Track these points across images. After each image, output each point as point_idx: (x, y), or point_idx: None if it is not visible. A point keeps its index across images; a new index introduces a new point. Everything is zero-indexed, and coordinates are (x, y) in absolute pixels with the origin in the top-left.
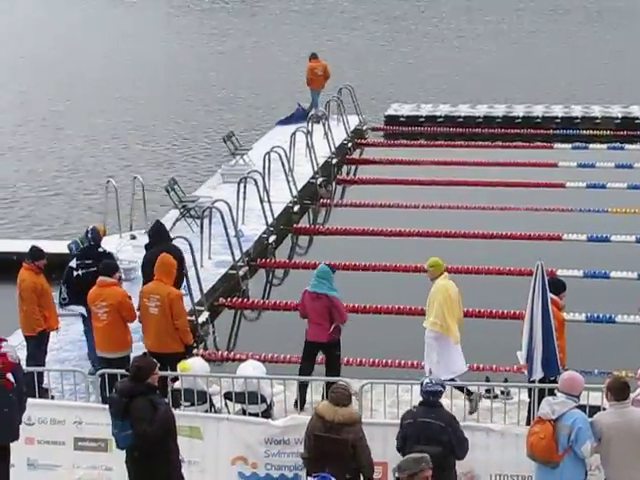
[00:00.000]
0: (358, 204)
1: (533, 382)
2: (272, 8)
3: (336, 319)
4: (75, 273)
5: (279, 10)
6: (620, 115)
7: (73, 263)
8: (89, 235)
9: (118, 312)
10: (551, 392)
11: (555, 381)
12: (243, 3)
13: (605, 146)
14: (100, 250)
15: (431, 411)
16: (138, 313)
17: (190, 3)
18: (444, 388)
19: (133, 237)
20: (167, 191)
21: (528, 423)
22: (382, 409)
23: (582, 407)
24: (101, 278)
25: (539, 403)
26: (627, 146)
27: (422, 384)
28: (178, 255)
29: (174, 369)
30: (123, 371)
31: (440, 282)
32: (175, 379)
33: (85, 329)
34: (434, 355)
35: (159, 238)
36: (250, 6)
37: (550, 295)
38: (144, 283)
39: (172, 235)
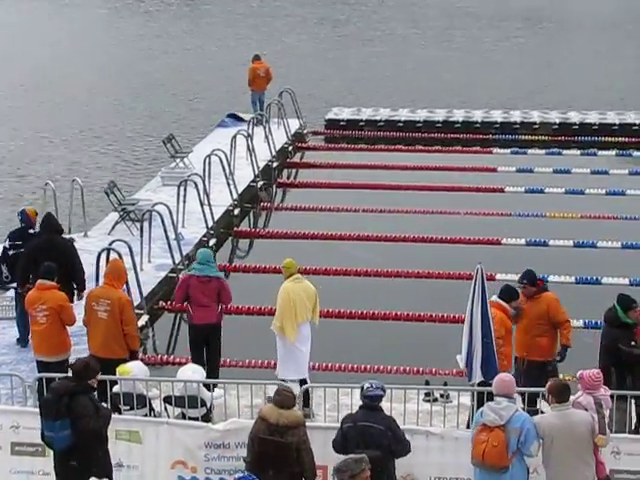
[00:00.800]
0: (298, 207)
1: (473, 385)
2: (215, 11)
3: (224, 300)
4: (10, 252)
5: (223, 13)
6: (558, 121)
7: (7, 244)
8: (19, 217)
9: (58, 315)
10: (491, 395)
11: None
12: (187, 7)
13: (543, 151)
14: (30, 232)
15: (371, 415)
16: (82, 317)
17: (133, 5)
18: (384, 392)
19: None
20: (107, 194)
21: (468, 427)
22: (322, 413)
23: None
24: (40, 281)
25: (479, 406)
26: (565, 151)
27: (362, 388)
28: (69, 246)
29: (115, 374)
30: (61, 375)
31: (285, 284)
32: (114, 383)
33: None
34: (279, 355)
35: (49, 229)
36: (194, 9)
37: (500, 301)
38: (24, 269)
39: (112, 238)
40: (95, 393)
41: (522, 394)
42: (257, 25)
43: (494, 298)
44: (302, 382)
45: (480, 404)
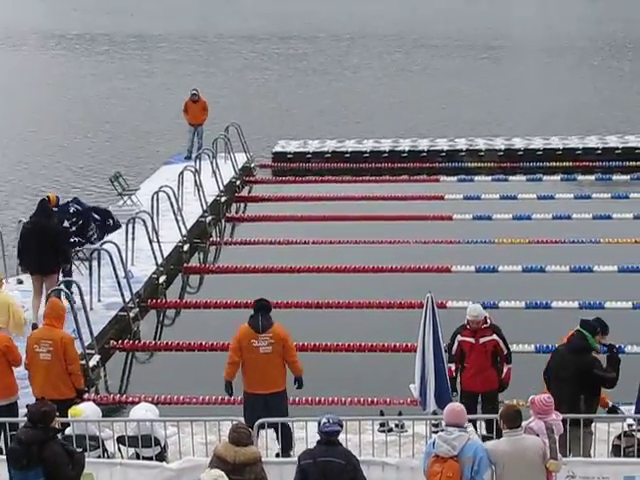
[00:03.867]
0: (248, 242)
1: (427, 414)
2: (163, 49)
3: None
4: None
5: (171, 51)
6: (503, 147)
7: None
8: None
9: (4, 357)
10: None
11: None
12: (136, 45)
13: (490, 178)
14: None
15: (330, 449)
16: (24, 359)
17: (80, 44)
18: (341, 426)
19: (20, 282)
20: None
21: None
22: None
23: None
24: None
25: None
26: (511, 177)
27: (320, 423)
28: (59, 229)
29: (65, 415)
30: (13, 419)
31: None
32: (66, 425)
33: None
34: None
35: (42, 214)
36: (142, 49)
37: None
38: (21, 250)
39: (61, 277)
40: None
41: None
42: (204, 62)
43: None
44: None
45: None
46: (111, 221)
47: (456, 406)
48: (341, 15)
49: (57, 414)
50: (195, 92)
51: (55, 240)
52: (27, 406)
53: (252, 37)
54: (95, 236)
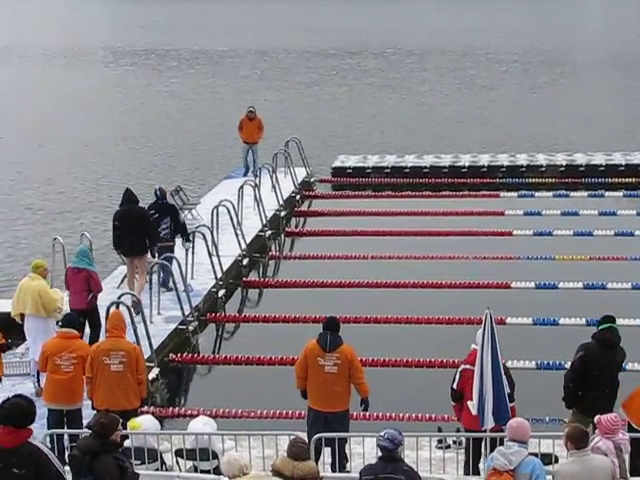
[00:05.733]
0: (307, 256)
1: (485, 431)
2: (225, 66)
3: (93, 289)
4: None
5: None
6: (564, 163)
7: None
8: (157, 193)
9: (84, 364)
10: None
11: None
12: (199, 60)
13: (550, 194)
14: (161, 203)
15: (392, 466)
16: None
17: (148, 60)
18: (396, 443)
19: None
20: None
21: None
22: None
23: (534, 454)
24: (64, 330)
25: (492, 451)
26: (572, 193)
27: (378, 437)
28: (146, 213)
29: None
30: (73, 431)
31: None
32: (125, 437)
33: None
34: None
35: (128, 201)
36: (205, 64)
37: None
38: (117, 235)
39: (121, 291)
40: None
41: None
42: (271, 76)
43: None
44: None
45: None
46: (182, 222)
47: (520, 421)
48: (408, 30)
49: (120, 427)
50: (252, 109)
51: (143, 223)
52: (97, 416)
53: (322, 52)
54: (168, 231)
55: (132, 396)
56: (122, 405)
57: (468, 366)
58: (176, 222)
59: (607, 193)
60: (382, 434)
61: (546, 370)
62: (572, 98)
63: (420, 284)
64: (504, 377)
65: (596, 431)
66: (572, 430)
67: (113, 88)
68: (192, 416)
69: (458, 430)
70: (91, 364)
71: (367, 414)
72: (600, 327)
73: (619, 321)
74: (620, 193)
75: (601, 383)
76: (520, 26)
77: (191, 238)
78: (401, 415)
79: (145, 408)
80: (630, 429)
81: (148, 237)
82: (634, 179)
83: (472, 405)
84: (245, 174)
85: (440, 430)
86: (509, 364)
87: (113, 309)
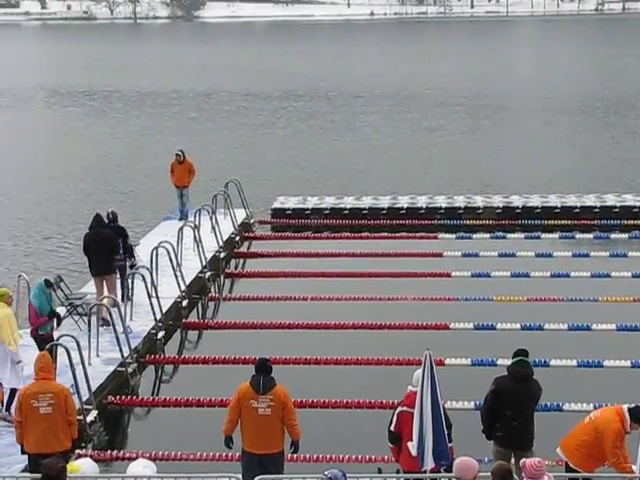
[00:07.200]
0: (247, 297)
1: (425, 472)
2: (171, 108)
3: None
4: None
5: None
6: (501, 205)
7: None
8: (110, 216)
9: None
10: None
11: (448, 470)
12: (145, 101)
13: (488, 235)
14: (113, 225)
15: None
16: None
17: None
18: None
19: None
20: (53, 289)
21: None
22: None
23: None
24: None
25: None
26: (509, 235)
27: (321, 478)
28: (112, 236)
29: None
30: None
31: None
32: None
33: None
34: None
35: (98, 225)
36: (151, 105)
37: (626, 415)
38: (91, 258)
39: (58, 333)
40: None
41: None
42: (211, 119)
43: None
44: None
45: None
46: (129, 245)
47: (469, 460)
48: (353, 73)
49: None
50: (179, 153)
51: (111, 245)
52: (43, 462)
53: (268, 94)
54: (121, 251)
55: (63, 437)
56: (53, 447)
57: (405, 408)
58: (124, 243)
59: (543, 235)
60: (326, 473)
61: None
62: (509, 141)
63: (359, 325)
64: (443, 417)
65: (522, 474)
66: (496, 468)
67: (56, 129)
68: (131, 459)
69: (398, 471)
70: (19, 408)
71: (307, 455)
72: (512, 361)
73: (556, 362)
74: (556, 235)
75: (513, 415)
76: (462, 69)
77: (135, 265)
78: (341, 456)
79: (83, 451)
80: (567, 469)
81: (113, 254)
82: (569, 221)
83: (412, 446)
84: (182, 218)
85: (380, 471)
86: (448, 404)
87: (41, 352)
